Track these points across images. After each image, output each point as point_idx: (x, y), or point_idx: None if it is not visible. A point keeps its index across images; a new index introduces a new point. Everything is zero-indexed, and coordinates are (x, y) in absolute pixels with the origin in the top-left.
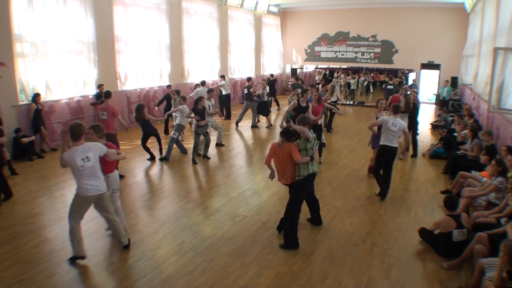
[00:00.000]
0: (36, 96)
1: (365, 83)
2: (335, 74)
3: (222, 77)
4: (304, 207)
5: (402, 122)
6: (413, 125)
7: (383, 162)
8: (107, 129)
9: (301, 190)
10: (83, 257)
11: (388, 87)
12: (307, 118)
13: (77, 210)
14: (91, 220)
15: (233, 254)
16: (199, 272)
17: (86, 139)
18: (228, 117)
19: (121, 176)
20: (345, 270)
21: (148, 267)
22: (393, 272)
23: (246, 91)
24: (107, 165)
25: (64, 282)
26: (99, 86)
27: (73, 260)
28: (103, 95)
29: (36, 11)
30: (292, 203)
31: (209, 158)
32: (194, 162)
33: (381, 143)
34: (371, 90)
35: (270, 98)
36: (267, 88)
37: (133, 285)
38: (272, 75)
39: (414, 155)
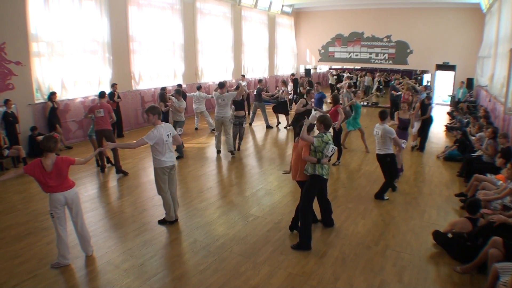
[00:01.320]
0: (52, 94)
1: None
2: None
3: (243, 76)
4: (316, 207)
5: (385, 129)
6: (425, 124)
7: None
8: (105, 125)
9: (308, 191)
10: (176, 220)
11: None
12: (324, 119)
13: (163, 181)
14: (101, 220)
15: (245, 254)
16: (211, 271)
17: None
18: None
19: (125, 173)
20: (357, 272)
21: (161, 265)
22: (405, 275)
23: (256, 92)
24: (68, 179)
25: (77, 278)
26: (113, 86)
27: (164, 223)
28: (115, 95)
29: (52, 11)
30: (301, 204)
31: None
32: (234, 151)
33: None
34: (384, 91)
35: (295, 96)
36: (288, 88)
37: (145, 283)
38: (293, 74)
39: (421, 149)
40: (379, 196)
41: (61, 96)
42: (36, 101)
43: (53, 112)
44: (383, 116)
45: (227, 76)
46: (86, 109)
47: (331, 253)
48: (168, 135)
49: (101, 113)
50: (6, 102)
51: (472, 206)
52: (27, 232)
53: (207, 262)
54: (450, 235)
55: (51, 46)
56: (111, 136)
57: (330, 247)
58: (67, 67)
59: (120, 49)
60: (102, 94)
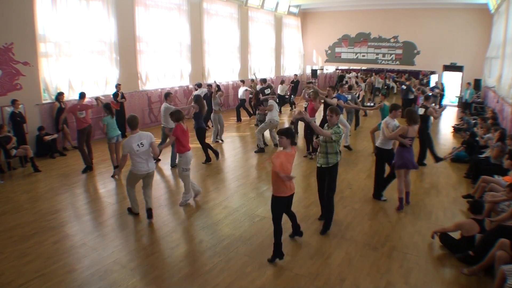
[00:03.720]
0: (60, 95)
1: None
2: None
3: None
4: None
5: (385, 122)
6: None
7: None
8: (86, 123)
9: (335, 179)
10: (137, 213)
11: (403, 87)
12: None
13: (132, 182)
14: (107, 219)
15: (251, 255)
16: (217, 272)
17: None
18: (251, 114)
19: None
20: (363, 274)
21: (167, 265)
22: (412, 276)
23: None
24: (178, 146)
25: (83, 278)
26: (117, 86)
27: (130, 212)
28: (119, 95)
29: (60, 12)
30: (330, 192)
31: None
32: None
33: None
34: (395, 91)
35: (291, 96)
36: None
37: (151, 282)
38: (296, 75)
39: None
40: (376, 195)
41: (68, 96)
42: (44, 101)
43: (60, 112)
44: (391, 109)
45: (234, 76)
46: (93, 109)
47: (337, 254)
48: (139, 144)
49: (83, 114)
50: (14, 102)
51: (475, 207)
52: (34, 232)
53: (213, 262)
54: (459, 235)
55: (59, 47)
56: (91, 131)
57: (336, 248)
58: (74, 67)
59: (127, 49)
60: (82, 95)
